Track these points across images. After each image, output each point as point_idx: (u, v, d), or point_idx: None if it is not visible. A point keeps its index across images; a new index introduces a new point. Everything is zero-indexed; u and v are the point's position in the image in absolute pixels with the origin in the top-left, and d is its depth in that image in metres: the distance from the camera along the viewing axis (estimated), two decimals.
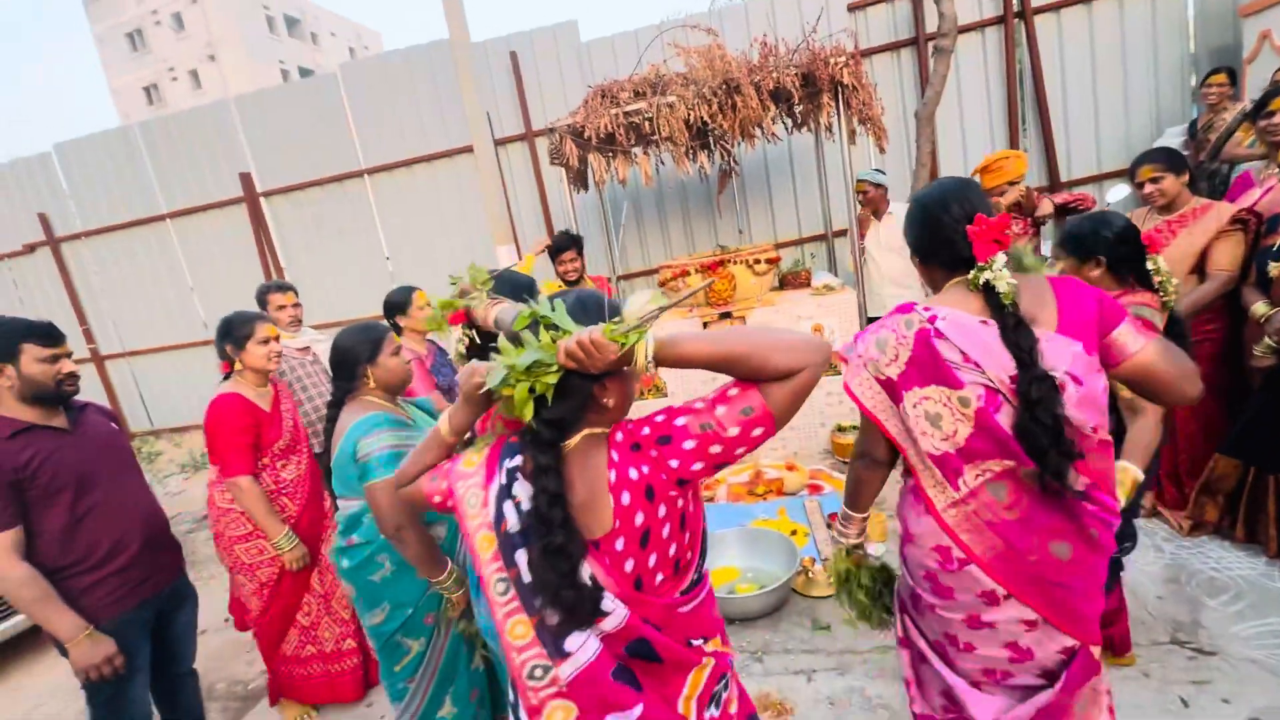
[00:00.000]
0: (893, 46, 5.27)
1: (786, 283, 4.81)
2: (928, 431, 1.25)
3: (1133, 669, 2.03)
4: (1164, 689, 1.94)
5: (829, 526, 3.12)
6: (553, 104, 5.57)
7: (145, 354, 6.99)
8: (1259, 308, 2.28)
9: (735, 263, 4.31)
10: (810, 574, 2.78)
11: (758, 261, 4.31)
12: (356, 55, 33.79)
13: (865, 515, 1.53)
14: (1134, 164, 2.62)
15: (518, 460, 1.06)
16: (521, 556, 1.02)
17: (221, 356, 2.39)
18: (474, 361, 1.14)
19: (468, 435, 1.22)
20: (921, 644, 1.38)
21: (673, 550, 1.03)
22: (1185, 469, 2.68)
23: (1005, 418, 1.19)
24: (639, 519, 1.00)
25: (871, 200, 4.21)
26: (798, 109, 4.15)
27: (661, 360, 0.97)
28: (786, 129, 4.71)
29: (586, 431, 1.04)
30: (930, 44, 4.88)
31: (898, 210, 4.19)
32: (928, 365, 1.24)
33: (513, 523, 1.02)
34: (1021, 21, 5.07)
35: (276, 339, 2.40)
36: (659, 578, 1.04)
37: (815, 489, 3.71)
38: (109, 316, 6.98)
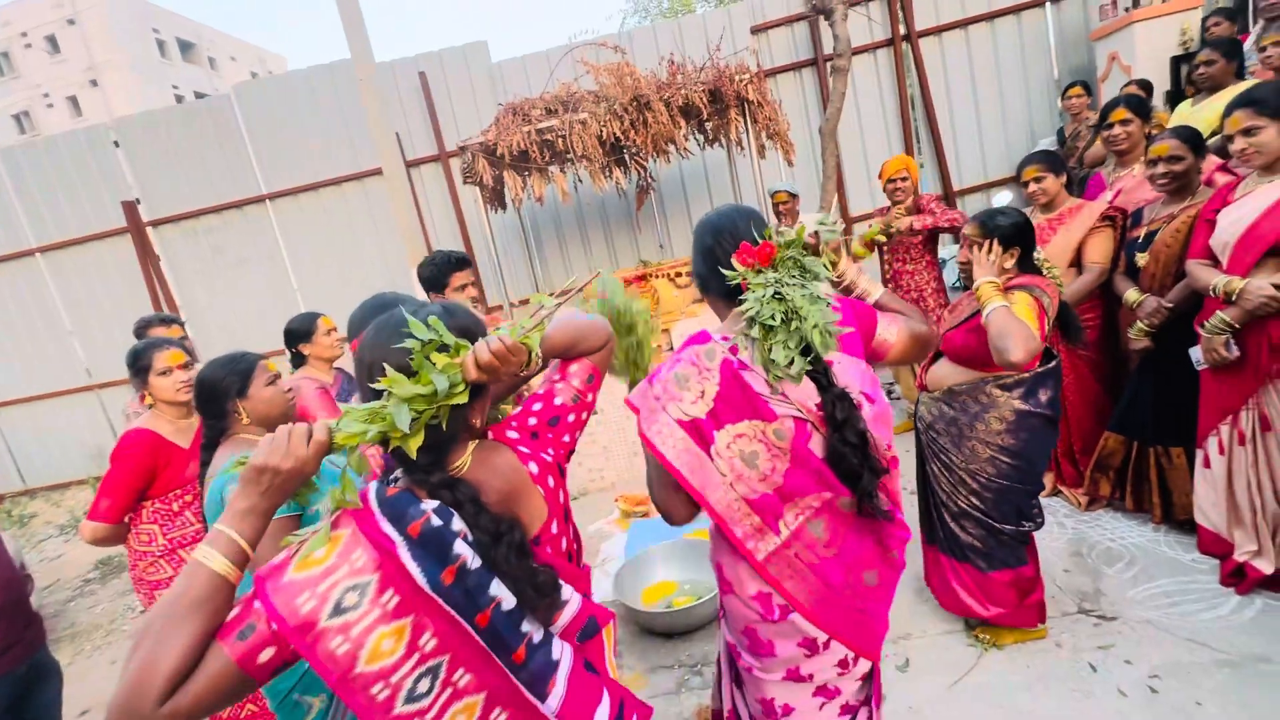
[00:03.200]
0: (794, 66, 5.54)
1: None
2: (744, 474, 1.16)
3: (1045, 640, 2.13)
4: (1075, 657, 2.04)
5: None
6: (466, 124, 5.48)
7: (15, 404, 6.26)
8: (1131, 295, 2.49)
9: (657, 276, 4.35)
10: None
11: (679, 275, 4.36)
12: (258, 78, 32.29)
13: None
14: (1020, 165, 2.84)
15: (429, 503, 0.89)
16: (497, 585, 0.88)
17: (135, 389, 2.28)
18: (284, 426, 0.87)
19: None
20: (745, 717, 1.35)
21: (573, 521, 1.13)
22: (1079, 448, 2.88)
23: (816, 446, 1.17)
24: (561, 497, 1.07)
25: (788, 210, 4.36)
26: (708, 125, 4.26)
27: (544, 354, 1.06)
28: (699, 145, 4.83)
29: (473, 444, 1.00)
30: (828, 64, 5.15)
31: (808, 221, 4.36)
32: (738, 399, 1.16)
33: (471, 559, 0.87)
34: (908, 44, 5.46)
35: (183, 366, 2.21)
36: (575, 547, 1.11)
37: None
38: None
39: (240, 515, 0.82)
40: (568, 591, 0.99)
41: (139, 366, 2.17)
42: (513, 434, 1.06)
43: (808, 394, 1.17)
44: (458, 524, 0.88)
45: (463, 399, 0.91)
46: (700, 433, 1.17)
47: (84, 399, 6.18)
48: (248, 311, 5.96)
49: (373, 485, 0.91)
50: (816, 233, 1.38)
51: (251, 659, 0.76)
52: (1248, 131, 1.92)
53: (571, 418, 1.10)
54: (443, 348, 0.92)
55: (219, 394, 1.64)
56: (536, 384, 1.16)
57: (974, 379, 2.00)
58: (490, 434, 1.06)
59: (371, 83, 4.19)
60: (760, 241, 1.23)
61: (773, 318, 1.15)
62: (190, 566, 0.79)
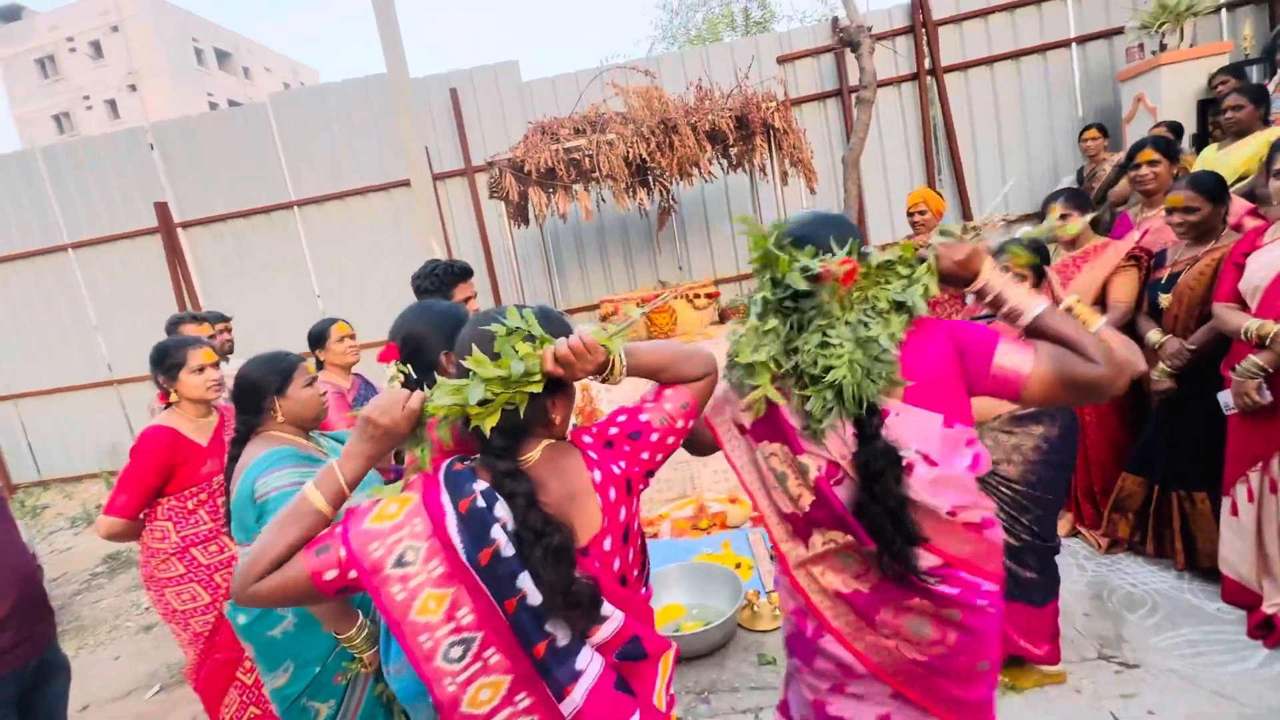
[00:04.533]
0: (819, 96, 5.60)
1: (726, 317, 4.89)
2: (776, 487, 1.16)
3: (1064, 685, 2.07)
4: (1096, 704, 1.99)
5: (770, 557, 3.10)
6: (494, 141, 5.58)
7: (35, 396, 6.35)
8: (1153, 335, 2.47)
9: (676, 298, 4.36)
10: (755, 607, 2.74)
11: (698, 296, 4.37)
12: (293, 89, 33.16)
13: None
14: (1045, 201, 2.84)
15: (480, 484, 0.95)
16: (525, 579, 0.92)
17: (157, 386, 2.27)
18: (390, 388, 1.00)
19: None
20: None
21: (640, 543, 1.10)
22: (1099, 489, 2.83)
23: (845, 492, 1.09)
24: (622, 514, 1.04)
25: None
26: (733, 150, 4.31)
27: (629, 368, 1.06)
28: (723, 169, 4.88)
29: (546, 442, 1.04)
30: (853, 95, 5.21)
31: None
32: (773, 421, 1.15)
33: (505, 545, 0.92)
34: (934, 78, 5.51)
35: (215, 365, 2.25)
36: (635, 572, 1.08)
37: (758, 520, 3.70)
38: None
39: (348, 456, 0.97)
40: (608, 609, 0.98)
41: (170, 363, 2.18)
42: (588, 439, 1.08)
43: (845, 439, 1.08)
44: (500, 511, 0.94)
45: (537, 388, 0.96)
46: (746, 439, 1.20)
47: (103, 394, 6.26)
48: (269, 314, 6.05)
49: (449, 460, 1.01)
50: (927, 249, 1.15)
51: (320, 573, 0.90)
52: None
53: (655, 437, 1.08)
54: (529, 338, 0.98)
55: (260, 390, 1.68)
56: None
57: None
58: (569, 437, 1.09)
59: (405, 98, 4.30)
60: (840, 256, 1.08)
61: (815, 364, 1.06)
62: (299, 496, 0.95)
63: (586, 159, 3.91)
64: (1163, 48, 4.57)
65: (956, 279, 1.13)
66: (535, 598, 0.92)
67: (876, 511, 1.04)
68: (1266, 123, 3.21)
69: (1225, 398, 2.13)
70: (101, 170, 5.94)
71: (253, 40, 33.42)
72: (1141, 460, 2.60)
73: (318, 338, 2.86)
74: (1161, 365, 2.42)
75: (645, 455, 1.07)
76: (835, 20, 5.47)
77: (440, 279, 2.39)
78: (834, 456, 1.09)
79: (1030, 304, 1.08)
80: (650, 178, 4.56)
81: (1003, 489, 1.97)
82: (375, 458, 0.97)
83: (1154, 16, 4.55)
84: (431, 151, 5.54)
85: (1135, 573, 2.60)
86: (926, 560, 1.07)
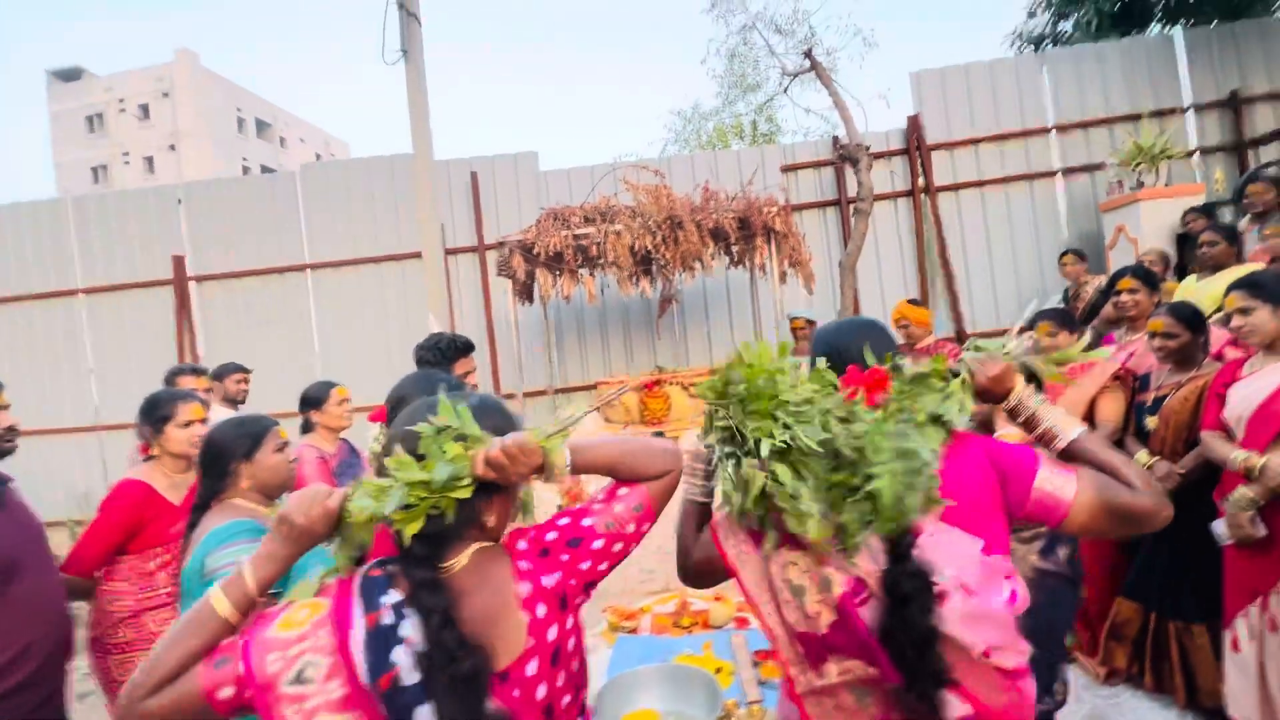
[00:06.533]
0: (820, 205, 5.92)
1: None
2: (791, 600, 1.03)
3: None
4: None
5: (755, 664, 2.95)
6: (508, 223, 5.83)
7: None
8: (1141, 457, 2.48)
9: (671, 384, 4.41)
10: (733, 718, 2.57)
11: (693, 384, 4.42)
12: (323, 161, 35.01)
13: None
14: (1033, 319, 2.94)
15: (394, 595, 0.86)
16: (424, 712, 0.82)
17: (140, 438, 2.21)
18: (314, 486, 0.92)
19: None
20: None
21: (575, 665, 0.96)
22: (1094, 612, 2.74)
23: (869, 613, 0.98)
24: (552, 633, 0.92)
25: (805, 337, 4.48)
26: (734, 248, 4.51)
27: (575, 466, 0.97)
28: (724, 265, 5.07)
29: (477, 545, 0.94)
30: (851, 206, 5.51)
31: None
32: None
33: (407, 671, 0.82)
34: (927, 196, 5.85)
35: (203, 421, 2.20)
36: (565, 700, 0.94)
37: (743, 623, 3.53)
38: None
39: (259, 558, 0.88)
40: None
41: (159, 415, 2.14)
42: (522, 544, 0.97)
43: (875, 555, 0.98)
44: (407, 629, 0.83)
45: (465, 493, 0.88)
46: (759, 544, 1.07)
47: (85, 440, 6.17)
48: (265, 369, 6.06)
49: (371, 562, 0.91)
50: (966, 367, 1.10)
51: (214, 690, 0.81)
52: (1243, 311, 2.04)
53: (599, 544, 0.97)
54: (461, 438, 0.90)
55: (227, 454, 1.62)
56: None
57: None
58: (505, 539, 0.99)
59: (428, 176, 4.54)
60: (871, 365, 1.05)
61: (854, 474, 0.96)
62: (203, 600, 0.87)
63: (594, 246, 4.08)
64: (1140, 185, 4.89)
65: (990, 395, 1.09)
66: None
67: (903, 640, 0.93)
68: (1240, 259, 3.39)
69: (1219, 528, 2.11)
70: (126, 222, 6.17)
71: (290, 113, 35.63)
72: (1137, 585, 2.53)
73: (315, 399, 2.86)
74: None
75: (585, 565, 0.97)
76: (836, 138, 5.88)
77: (443, 352, 2.42)
78: (861, 573, 0.98)
79: (1067, 427, 1.04)
80: (654, 268, 4.74)
81: None
82: (291, 560, 0.89)
83: (1131, 156, 4.91)
84: (447, 228, 5.78)
85: (1135, 708, 2.47)
86: (955, 709, 0.94)
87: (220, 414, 3.18)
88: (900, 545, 0.96)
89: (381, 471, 0.92)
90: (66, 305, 6.22)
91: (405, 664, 0.82)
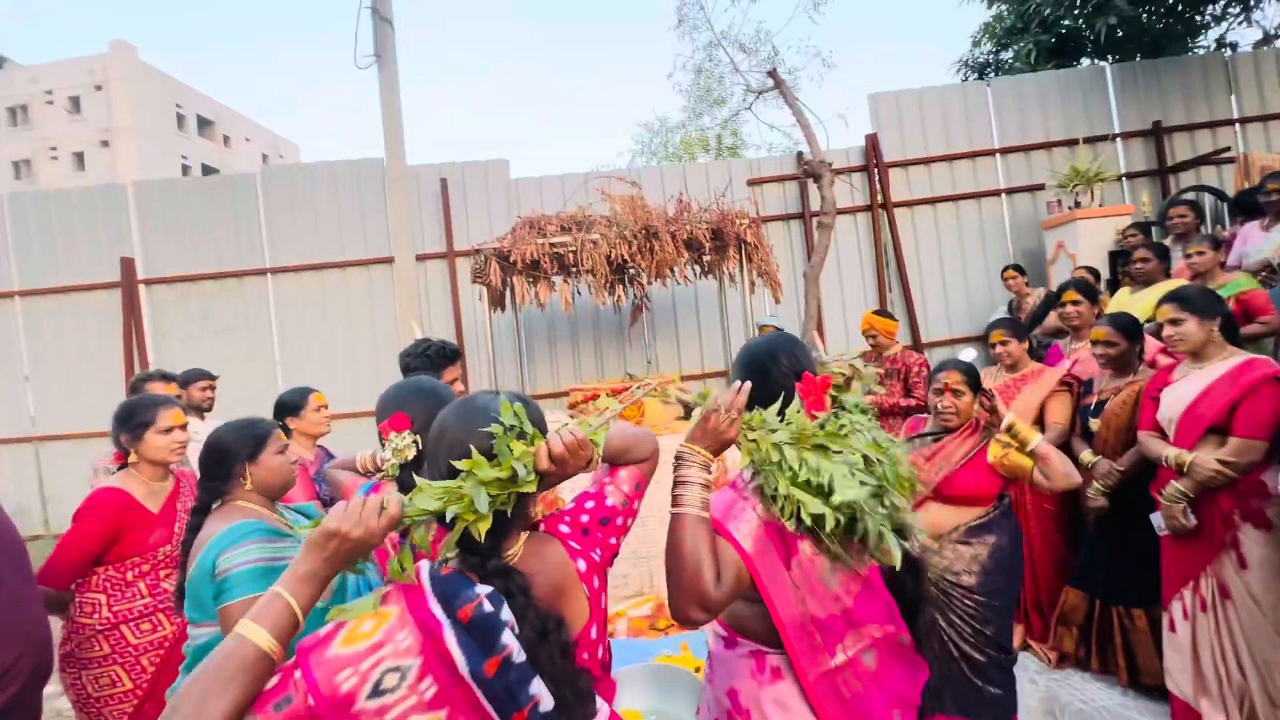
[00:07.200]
0: (784, 217, 6.14)
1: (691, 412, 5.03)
2: (818, 590, 1.15)
3: None
4: None
5: None
6: (478, 229, 5.82)
7: None
8: (1086, 456, 2.70)
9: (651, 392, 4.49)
10: None
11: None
12: (270, 162, 33.69)
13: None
14: (987, 329, 3.16)
15: (482, 587, 0.88)
16: (538, 684, 0.85)
17: (116, 445, 2.14)
18: (360, 498, 0.89)
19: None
20: None
21: (609, 628, 1.09)
22: (1046, 601, 2.94)
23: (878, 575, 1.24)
24: (603, 600, 1.06)
25: None
26: (706, 258, 4.63)
27: (604, 456, 1.09)
28: (695, 274, 5.20)
29: (526, 536, 1.02)
30: (814, 219, 5.74)
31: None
32: None
33: (517, 651, 0.85)
34: (885, 211, 6.14)
35: (183, 427, 2.16)
36: (609, 658, 1.08)
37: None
38: None
39: (300, 579, 0.84)
40: (600, 702, 0.96)
41: (138, 421, 2.09)
42: (565, 528, 1.05)
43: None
44: (507, 613, 0.87)
45: (532, 487, 0.94)
46: (784, 538, 1.16)
47: (19, 450, 5.81)
48: (222, 379, 5.85)
49: (425, 564, 0.90)
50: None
51: None
52: (1174, 322, 2.28)
53: (620, 520, 1.10)
54: (521, 435, 0.96)
55: (231, 456, 1.63)
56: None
57: (978, 514, 2.11)
58: (543, 526, 1.06)
59: (401, 182, 4.51)
60: (819, 374, 1.26)
61: (868, 475, 1.15)
62: (233, 637, 0.80)
63: (570, 254, 4.13)
64: (1077, 204, 5.28)
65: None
66: (548, 703, 0.85)
67: (909, 582, 1.19)
68: (1168, 275, 3.72)
69: (1157, 520, 2.32)
70: (70, 221, 5.86)
71: (236, 111, 34.22)
72: (1082, 575, 2.75)
73: (292, 406, 2.80)
74: (1095, 485, 2.63)
75: (614, 540, 1.08)
76: (800, 155, 6.11)
77: (431, 359, 2.41)
78: None
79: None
80: (627, 277, 4.82)
81: (967, 600, 2.05)
82: (331, 578, 0.86)
83: (1068, 179, 5.29)
84: (415, 233, 5.72)
85: (1083, 689, 2.67)
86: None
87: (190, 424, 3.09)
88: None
89: (406, 478, 0.95)
90: (1, 308, 5.85)
91: (514, 645, 0.84)
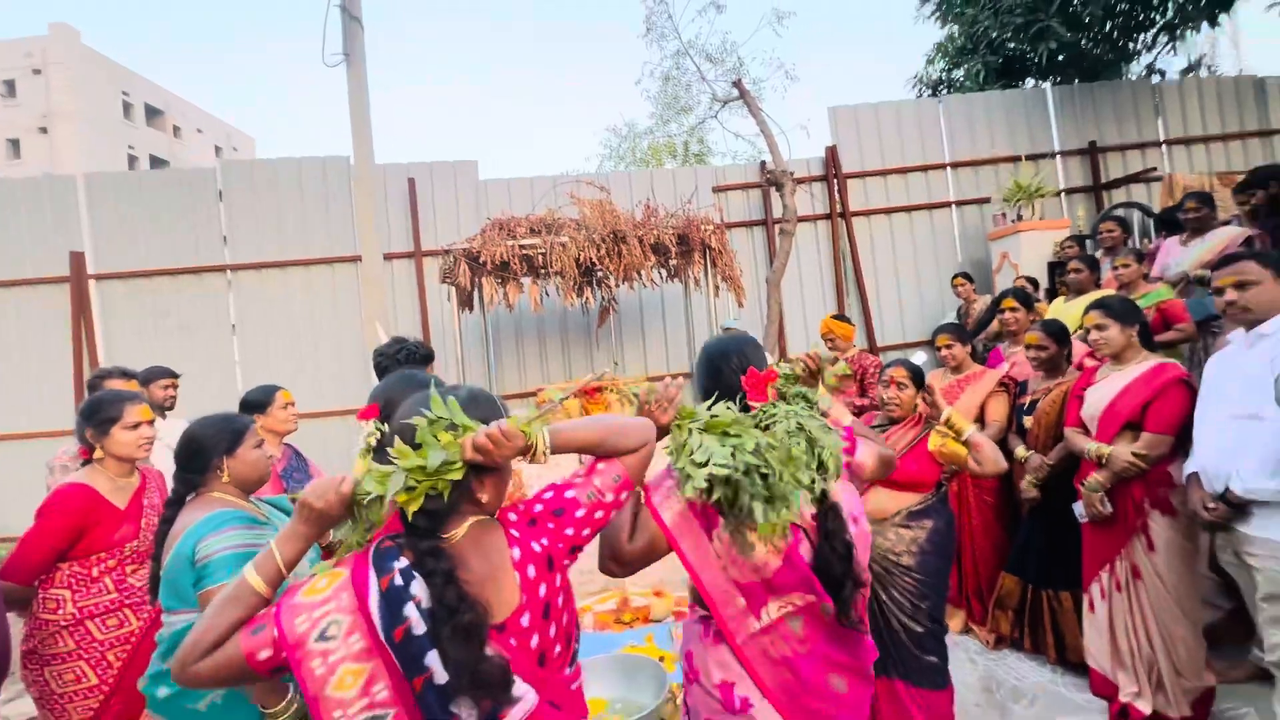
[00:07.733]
0: (748, 224, 6.33)
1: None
2: (738, 560, 1.28)
3: None
4: None
5: None
6: (445, 230, 5.83)
7: None
8: (1020, 451, 2.93)
9: (610, 390, 4.58)
10: (678, 701, 2.77)
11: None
12: (224, 155, 32.50)
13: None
14: (934, 333, 3.37)
15: (403, 561, 0.99)
16: (433, 657, 0.95)
17: (81, 441, 2.14)
18: (329, 476, 1.04)
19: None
20: None
21: (565, 619, 1.12)
22: (985, 587, 3.16)
23: (805, 553, 1.31)
24: (542, 590, 1.07)
25: None
26: (673, 263, 4.77)
27: (555, 447, 1.11)
28: (661, 278, 5.33)
29: (473, 519, 1.08)
30: (777, 226, 5.94)
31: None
32: None
33: (417, 623, 0.95)
34: (844, 220, 6.39)
35: (150, 423, 2.16)
36: (557, 649, 1.09)
37: (681, 615, 3.75)
38: None
39: (285, 538, 1.02)
40: (521, 689, 1.00)
41: (104, 417, 2.09)
42: (512, 515, 1.12)
43: (805, 506, 1.31)
44: (416, 588, 0.97)
45: (458, 475, 1.01)
46: (705, 512, 1.29)
47: None
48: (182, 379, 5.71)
49: (382, 537, 1.04)
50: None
51: (254, 653, 0.94)
52: (1098, 327, 2.50)
53: (581, 513, 1.12)
54: (451, 427, 1.03)
55: (208, 450, 1.66)
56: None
57: (919, 499, 2.28)
58: (502, 511, 1.13)
59: (368, 181, 4.50)
60: (765, 368, 1.41)
61: (798, 444, 1.27)
62: (239, 579, 1.00)
63: (540, 256, 4.21)
64: (1020, 217, 5.62)
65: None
66: (441, 676, 0.94)
67: (834, 561, 1.27)
68: (1098, 285, 4.01)
69: (1078, 508, 2.54)
70: (14, 213, 5.63)
71: (188, 101, 32.94)
72: (1017, 561, 2.97)
73: (258, 403, 2.80)
74: (1028, 477, 2.85)
75: (570, 531, 1.11)
76: (764, 163, 6.32)
77: (401, 362, 2.44)
78: (802, 524, 1.32)
79: (845, 417, 1.63)
80: (595, 279, 4.92)
81: (907, 578, 2.22)
82: (312, 538, 1.03)
83: (1012, 193, 5.63)
84: (382, 233, 5.70)
85: (1018, 667, 2.88)
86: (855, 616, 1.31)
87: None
88: (825, 498, 1.32)
89: (381, 461, 1.06)
90: None
91: (415, 618, 0.95)
